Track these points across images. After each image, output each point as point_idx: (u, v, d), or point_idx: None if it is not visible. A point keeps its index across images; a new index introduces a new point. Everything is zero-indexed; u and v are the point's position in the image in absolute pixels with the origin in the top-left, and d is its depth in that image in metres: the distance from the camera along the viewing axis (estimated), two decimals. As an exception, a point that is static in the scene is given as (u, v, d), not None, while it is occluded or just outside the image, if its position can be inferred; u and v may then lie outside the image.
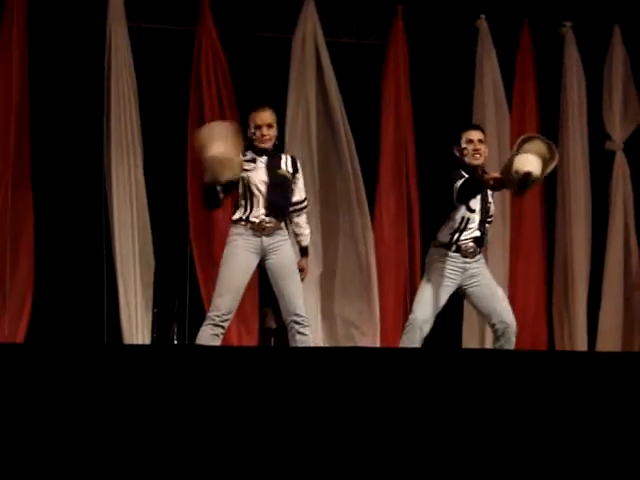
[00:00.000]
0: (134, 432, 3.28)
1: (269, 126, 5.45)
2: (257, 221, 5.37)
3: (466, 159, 5.54)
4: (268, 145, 5.45)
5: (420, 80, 7.89)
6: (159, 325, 7.23)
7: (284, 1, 7.65)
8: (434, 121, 7.78)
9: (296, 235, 5.66)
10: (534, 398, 3.66)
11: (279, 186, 5.44)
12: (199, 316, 6.10)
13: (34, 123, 7.08)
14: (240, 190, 5.39)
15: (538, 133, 7.18)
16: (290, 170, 5.52)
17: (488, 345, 7.27)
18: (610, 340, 7.96)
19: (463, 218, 5.53)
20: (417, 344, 5.51)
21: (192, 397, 3.37)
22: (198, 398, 3.38)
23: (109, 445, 3.23)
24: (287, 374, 3.53)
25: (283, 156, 5.58)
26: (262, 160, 5.43)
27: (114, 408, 3.30)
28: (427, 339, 5.60)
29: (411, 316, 5.61)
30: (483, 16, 7.98)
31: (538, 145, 5.17)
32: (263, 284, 6.26)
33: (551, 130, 7.76)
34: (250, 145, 5.43)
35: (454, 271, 5.54)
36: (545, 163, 5.13)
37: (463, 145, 5.56)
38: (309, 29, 7.61)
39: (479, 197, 5.52)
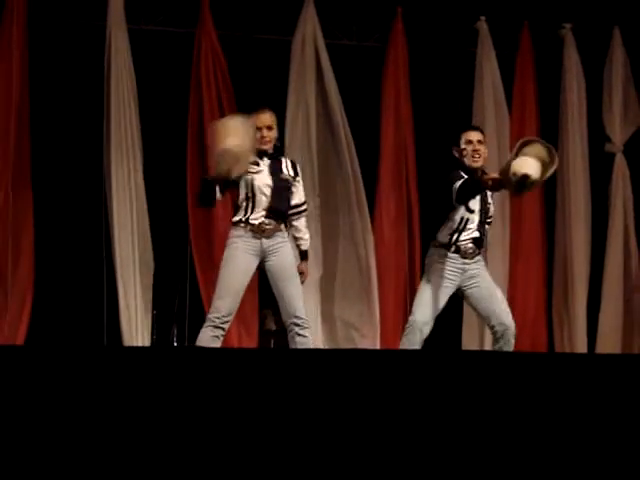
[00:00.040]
0: (134, 434, 3.28)
1: (269, 128, 5.45)
2: (257, 223, 5.37)
3: (465, 160, 5.55)
4: (268, 147, 5.46)
5: (420, 82, 7.89)
6: (159, 327, 7.22)
7: (284, 3, 7.65)
8: (434, 123, 7.78)
9: (295, 239, 5.66)
10: (534, 400, 3.66)
11: (281, 190, 5.44)
12: (199, 318, 6.10)
13: (34, 124, 7.08)
14: (242, 192, 5.39)
15: (538, 135, 7.22)
16: (291, 174, 5.53)
17: (488, 347, 7.27)
18: (610, 342, 7.96)
19: (462, 219, 5.53)
20: (417, 346, 5.51)
21: (192, 399, 3.37)
22: (198, 400, 3.38)
23: (109, 446, 3.23)
24: (287, 376, 3.53)
25: (283, 159, 5.58)
26: (265, 163, 5.43)
27: (114, 410, 3.30)
28: (427, 341, 5.60)
29: (411, 318, 5.61)
30: (483, 18, 7.98)
31: (538, 148, 5.17)
32: (263, 286, 6.26)
33: (551, 132, 7.77)
34: (251, 147, 5.42)
35: (453, 272, 5.54)
36: (545, 167, 5.13)
37: (462, 146, 5.57)
38: (309, 31, 7.61)
39: (478, 198, 5.52)
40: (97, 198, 7.17)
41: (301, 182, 5.62)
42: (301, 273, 5.53)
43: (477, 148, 5.55)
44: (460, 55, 8.06)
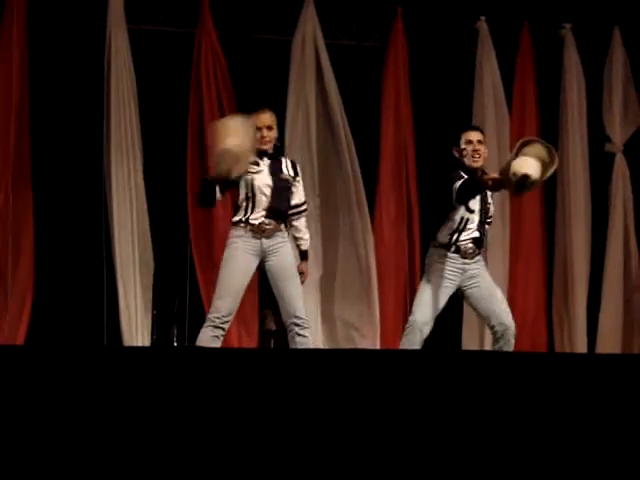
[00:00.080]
0: (134, 434, 3.28)
1: (269, 128, 5.45)
2: (257, 223, 5.37)
3: (465, 160, 5.55)
4: (268, 147, 5.46)
5: (420, 82, 7.89)
6: (159, 327, 7.22)
7: (284, 3, 7.65)
8: (434, 123, 7.78)
9: (295, 239, 5.66)
10: (534, 400, 3.66)
11: (281, 190, 5.44)
12: (199, 318, 6.10)
13: (34, 124, 7.08)
14: (242, 192, 5.39)
15: (538, 135, 7.21)
16: (291, 174, 5.53)
17: (488, 347, 7.27)
18: (610, 342, 7.96)
19: (462, 219, 5.53)
20: (417, 346, 5.51)
21: (192, 399, 3.37)
22: (198, 400, 3.38)
23: (109, 447, 3.23)
24: (287, 376, 3.53)
25: (283, 159, 5.58)
26: (265, 163, 5.43)
27: (114, 410, 3.30)
28: (427, 341, 5.60)
29: (411, 318, 5.61)
30: (483, 18, 7.98)
31: (538, 148, 5.17)
32: (263, 286, 6.26)
33: (551, 132, 7.77)
34: (251, 147, 5.42)
35: (453, 272, 5.54)
36: (545, 167, 5.13)
37: (462, 146, 5.57)
38: (309, 31, 7.61)
39: (478, 198, 5.52)
40: (97, 198, 7.17)
41: (301, 182, 5.63)
42: (301, 273, 5.53)
43: (477, 148, 5.55)
44: (460, 55, 8.06)
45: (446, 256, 5.54)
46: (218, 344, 5.31)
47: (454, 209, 5.50)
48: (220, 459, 3.31)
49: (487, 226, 5.73)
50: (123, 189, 7.13)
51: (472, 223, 5.56)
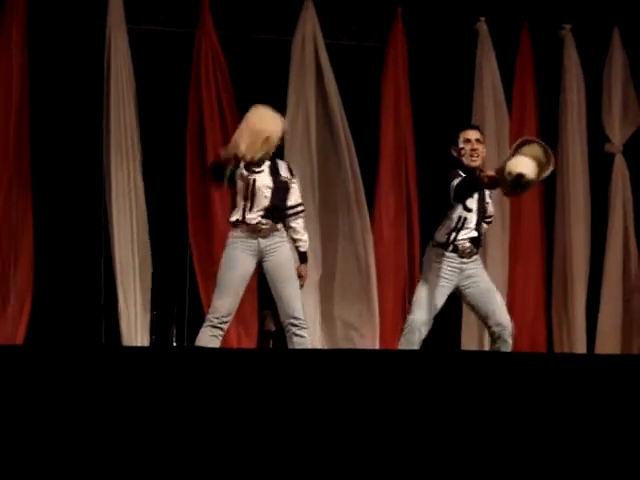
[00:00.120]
0: (133, 434, 3.28)
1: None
2: (253, 223, 5.37)
3: (464, 159, 5.54)
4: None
5: (420, 82, 7.88)
6: (158, 327, 7.22)
7: (284, 3, 7.65)
8: (434, 123, 7.77)
9: (294, 241, 5.65)
10: (533, 400, 3.66)
11: (281, 190, 5.46)
12: (198, 318, 6.10)
13: (34, 124, 7.08)
14: (241, 191, 5.39)
15: (537, 135, 7.20)
16: (288, 175, 5.54)
17: (487, 347, 7.27)
18: (609, 342, 7.96)
19: (460, 217, 5.53)
20: (416, 346, 5.51)
21: (191, 399, 3.37)
22: (197, 400, 3.38)
23: (108, 447, 3.23)
24: (286, 376, 3.54)
25: (278, 161, 5.59)
26: (266, 164, 5.44)
27: (113, 410, 3.30)
28: (426, 341, 5.60)
29: (409, 317, 5.61)
30: (483, 18, 7.98)
31: (535, 149, 5.15)
32: (262, 286, 6.26)
33: (550, 132, 7.77)
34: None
35: (451, 271, 5.54)
36: (541, 167, 5.12)
37: (461, 145, 5.56)
38: (309, 31, 7.61)
39: (476, 197, 5.52)
40: (97, 198, 7.17)
41: (297, 183, 5.64)
42: (300, 275, 5.53)
43: (475, 147, 5.54)
44: (460, 56, 8.06)
45: (443, 255, 5.53)
46: (217, 344, 5.31)
47: (452, 208, 5.50)
48: (220, 459, 3.31)
49: (485, 225, 5.73)
50: (122, 189, 7.13)
51: (470, 222, 5.55)
